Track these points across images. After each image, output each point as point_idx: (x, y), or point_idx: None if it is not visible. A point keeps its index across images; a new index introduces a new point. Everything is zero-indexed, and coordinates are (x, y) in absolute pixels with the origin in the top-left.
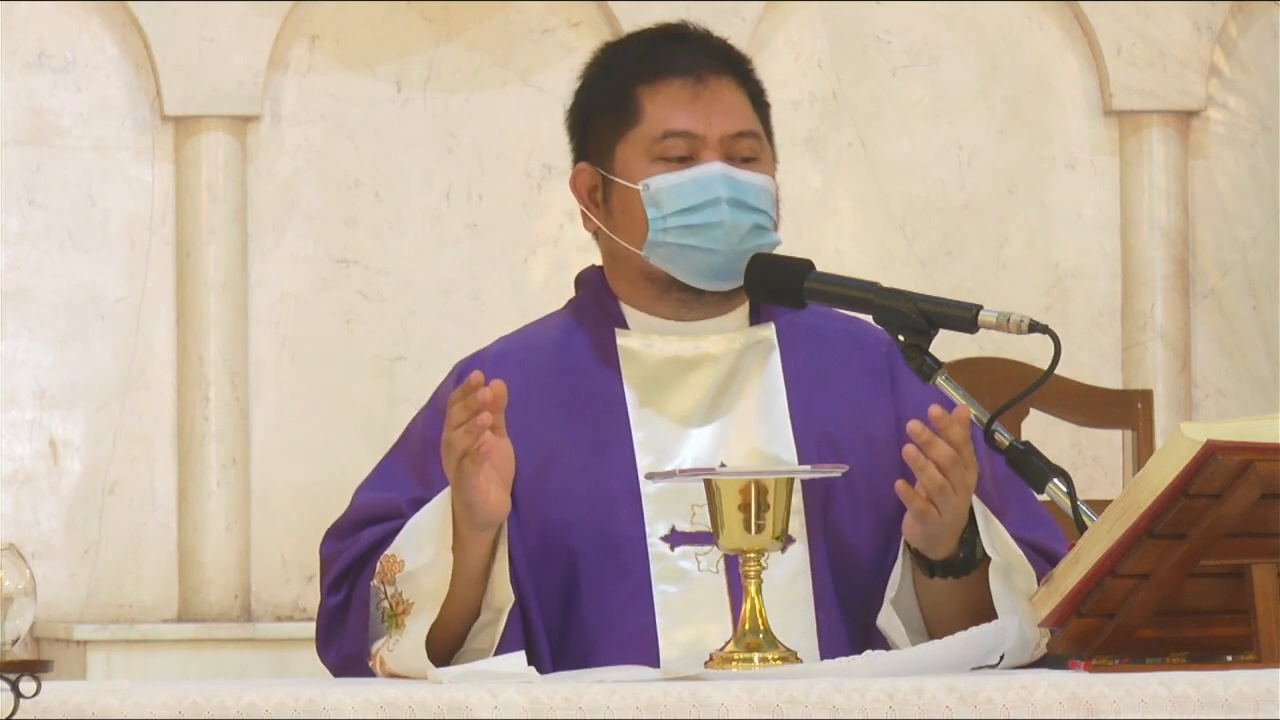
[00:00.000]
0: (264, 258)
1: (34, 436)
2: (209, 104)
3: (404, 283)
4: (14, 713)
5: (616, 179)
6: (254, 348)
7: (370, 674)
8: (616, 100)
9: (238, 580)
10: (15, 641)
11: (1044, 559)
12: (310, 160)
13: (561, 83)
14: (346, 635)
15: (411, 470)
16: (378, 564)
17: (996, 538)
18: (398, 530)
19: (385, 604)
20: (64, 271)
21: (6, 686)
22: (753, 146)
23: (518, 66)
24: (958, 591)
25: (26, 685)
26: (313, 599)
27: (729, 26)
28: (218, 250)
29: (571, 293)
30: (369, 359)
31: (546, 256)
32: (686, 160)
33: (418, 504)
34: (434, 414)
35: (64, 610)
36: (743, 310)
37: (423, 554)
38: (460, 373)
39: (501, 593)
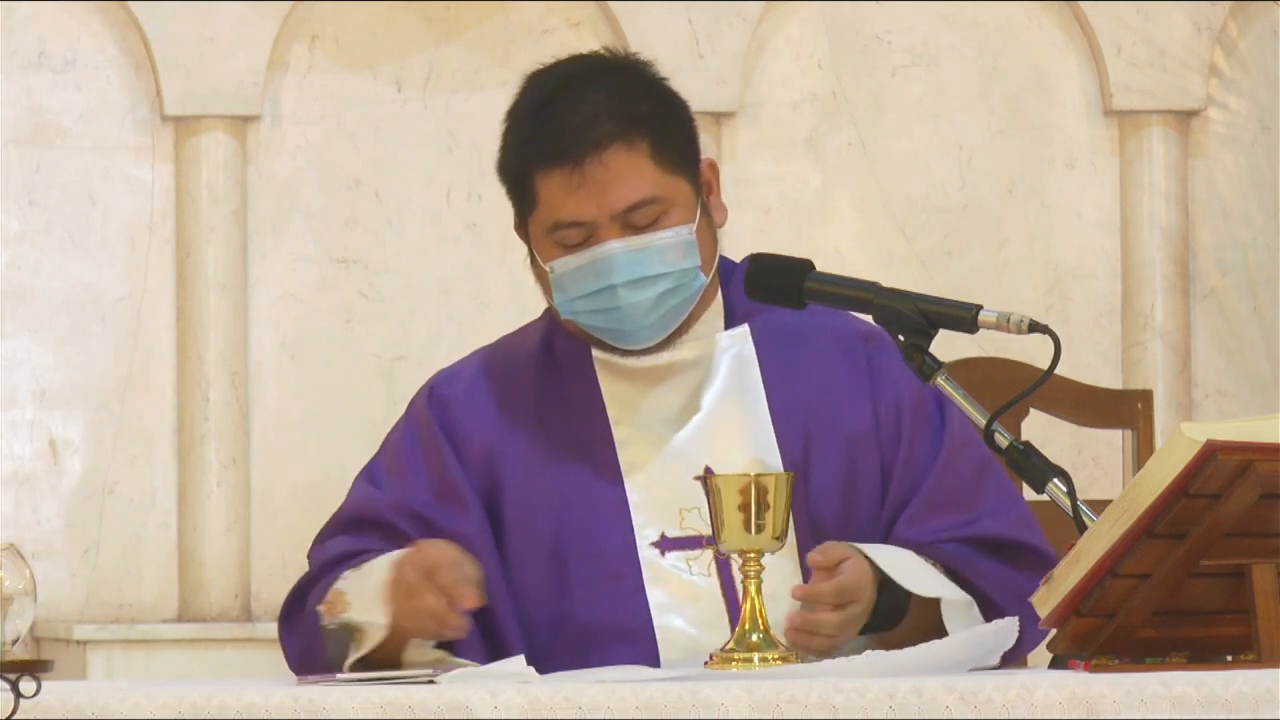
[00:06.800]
0: (264, 258)
1: (34, 436)
2: (209, 104)
3: (404, 283)
4: (14, 713)
5: (533, 252)
6: (254, 348)
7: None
8: (517, 181)
9: (238, 580)
10: (15, 641)
11: (1017, 555)
12: (310, 160)
13: None
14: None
15: (389, 477)
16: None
17: (919, 581)
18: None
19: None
20: (64, 271)
21: (6, 686)
22: (651, 212)
23: (518, 66)
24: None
25: (26, 685)
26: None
27: (729, 27)
28: (218, 250)
29: None
30: (369, 359)
31: None
32: (585, 243)
33: (397, 508)
34: (410, 428)
35: (64, 610)
36: (715, 314)
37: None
38: (433, 387)
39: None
